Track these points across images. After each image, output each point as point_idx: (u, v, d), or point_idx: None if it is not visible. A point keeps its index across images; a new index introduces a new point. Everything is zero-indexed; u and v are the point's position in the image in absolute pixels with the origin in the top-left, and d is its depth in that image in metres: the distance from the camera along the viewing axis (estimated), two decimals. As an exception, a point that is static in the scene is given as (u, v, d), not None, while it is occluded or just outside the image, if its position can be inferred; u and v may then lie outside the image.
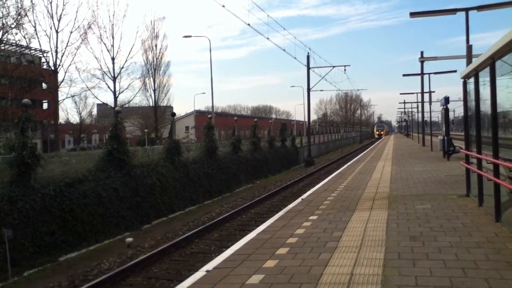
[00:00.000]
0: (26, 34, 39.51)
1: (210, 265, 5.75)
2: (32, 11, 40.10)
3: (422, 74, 33.84)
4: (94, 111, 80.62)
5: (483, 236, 6.37)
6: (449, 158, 21.51)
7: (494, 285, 4.45)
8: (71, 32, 42.95)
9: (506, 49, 6.12)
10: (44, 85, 49.85)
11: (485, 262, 5.20)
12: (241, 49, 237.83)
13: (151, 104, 56.40)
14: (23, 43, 40.08)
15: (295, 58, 35.74)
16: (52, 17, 42.13)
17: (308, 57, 38.48)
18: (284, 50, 31.61)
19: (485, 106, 7.98)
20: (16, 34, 38.35)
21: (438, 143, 27.07)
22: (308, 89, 39.44)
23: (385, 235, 6.73)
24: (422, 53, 29.59)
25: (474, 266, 5.07)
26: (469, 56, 14.50)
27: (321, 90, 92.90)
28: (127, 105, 55.50)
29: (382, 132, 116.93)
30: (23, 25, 38.66)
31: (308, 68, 38.67)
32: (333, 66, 41.71)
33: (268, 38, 26.60)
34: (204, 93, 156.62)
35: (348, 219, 8.07)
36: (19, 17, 37.44)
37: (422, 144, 39.29)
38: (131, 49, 52.75)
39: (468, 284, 4.50)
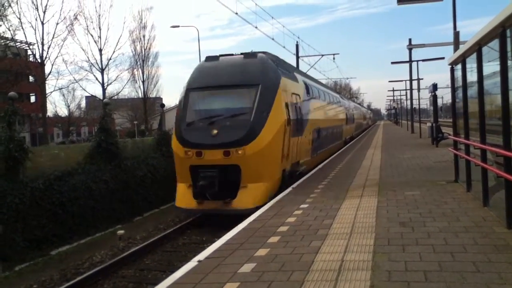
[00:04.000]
0: (11, 25, 38.97)
1: (202, 255, 5.77)
2: (17, 2, 39.50)
3: (410, 61, 34.00)
4: (83, 104, 79.98)
5: (471, 221, 6.46)
6: (437, 144, 21.71)
7: (482, 268, 4.53)
8: (57, 24, 42.44)
9: (492, 35, 6.15)
10: (30, 78, 49.25)
11: (473, 246, 5.29)
12: (230, 38, 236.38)
13: (140, 96, 56.08)
14: (8, 35, 39.47)
15: (283, 47, 35.52)
16: (37, 8, 41.54)
17: (297, 46, 38.31)
18: (273, 39, 31.21)
19: (472, 92, 8.05)
20: (0, 25, 37.76)
21: (427, 130, 27.29)
22: (298, 78, 39.18)
23: (375, 221, 6.80)
24: (410, 40, 29.71)
25: (463, 250, 5.15)
26: (456, 43, 14.58)
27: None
28: (116, 97, 55.12)
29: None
30: (7, 17, 38.09)
31: (297, 57, 38.54)
32: (322, 55, 41.53)
33: (256, 27, 26.37)
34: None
35: (339, 207, 8.13)
36: (3, 8, 36.86)
37: (411, 131, 39.58)
38: (119, 40, 52.50)
39: (457, 267, 4.58)
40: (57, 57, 47.83)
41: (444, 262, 4.76)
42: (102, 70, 46.94)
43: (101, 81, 47.08)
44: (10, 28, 38.85)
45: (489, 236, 5.66)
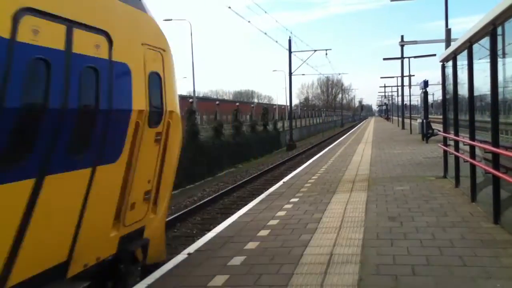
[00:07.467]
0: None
1: (191, 248, 5.78)
2: None
3: (402, 58, 34.16)
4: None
5: (459, 216, 6.54)
6: (427, 140, 21.87)
7: (468, 262, 4.59)
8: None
9: (483, 33, 6.20)
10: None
11: (460, 240, 5.36)
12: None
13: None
14: None
15: (276, 41, 35.61)
16: None
17: (289, 41, 38.32)
18: (265, 33, 31.34)
19: (463, 90, 8.13)
20: None
21: (417, 126, 27.48)
22: (290, 73, 39.37)
23: (364, 216, 6.85)
24: (402, 37, 29.90)
25: (450, 244, 5.21)
26: (447, 40, 14.68)
27: (303, 74, 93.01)
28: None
29: None
30: None
31: (290, 52, 38.54)
32: (315, 50, 41.67)
33: (249, 22, 26.34)
34: (185, 77, 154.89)
35: (329, 201, 8.18)
36: None
37: (401, 128, 39.83)
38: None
39: (444, 262, 4.63)
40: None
41: (431, 256, 4.81)
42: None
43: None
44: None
45: (476, 231, 5.73)
